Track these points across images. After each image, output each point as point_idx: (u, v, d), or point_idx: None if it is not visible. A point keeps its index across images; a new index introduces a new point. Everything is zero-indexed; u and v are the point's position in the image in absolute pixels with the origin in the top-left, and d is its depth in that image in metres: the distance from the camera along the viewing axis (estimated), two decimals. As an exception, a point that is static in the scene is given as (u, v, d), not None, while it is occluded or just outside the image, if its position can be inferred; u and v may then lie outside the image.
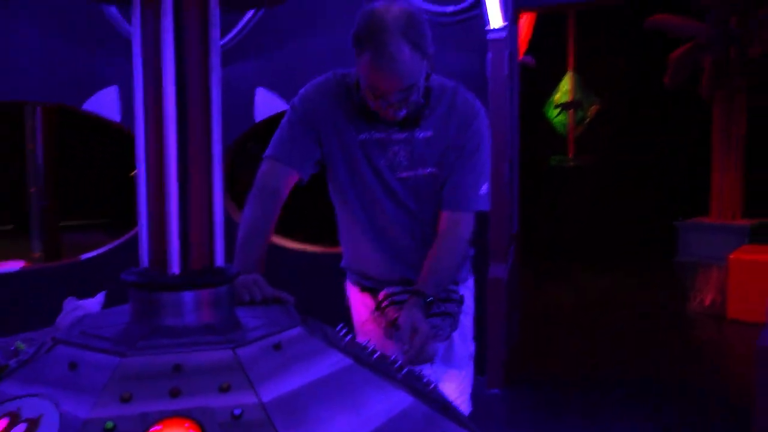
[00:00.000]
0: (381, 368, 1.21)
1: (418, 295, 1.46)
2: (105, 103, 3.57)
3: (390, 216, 1.65)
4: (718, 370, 4.62)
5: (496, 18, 3.46)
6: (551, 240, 10.32)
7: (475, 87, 3.72)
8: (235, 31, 3.96)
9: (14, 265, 4.50)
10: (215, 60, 1.13)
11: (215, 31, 1.13)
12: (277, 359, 1.05)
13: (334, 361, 1.11)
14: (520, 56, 4.61)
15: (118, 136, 5.65)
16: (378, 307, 1.63)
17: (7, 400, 0.94)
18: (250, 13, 3.91)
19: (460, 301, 1.68)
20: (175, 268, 1.10)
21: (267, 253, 1.50)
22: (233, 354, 1.00)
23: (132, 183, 1.18)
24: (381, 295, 1.67)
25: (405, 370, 1.27)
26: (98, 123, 4.13)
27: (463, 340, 1.82)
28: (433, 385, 1.28)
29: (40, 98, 4.02)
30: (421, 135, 1.60)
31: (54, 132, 6.59)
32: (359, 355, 1.19)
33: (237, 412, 0.92)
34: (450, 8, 3.64)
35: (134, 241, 1.61)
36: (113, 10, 3.57)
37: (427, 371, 1.76)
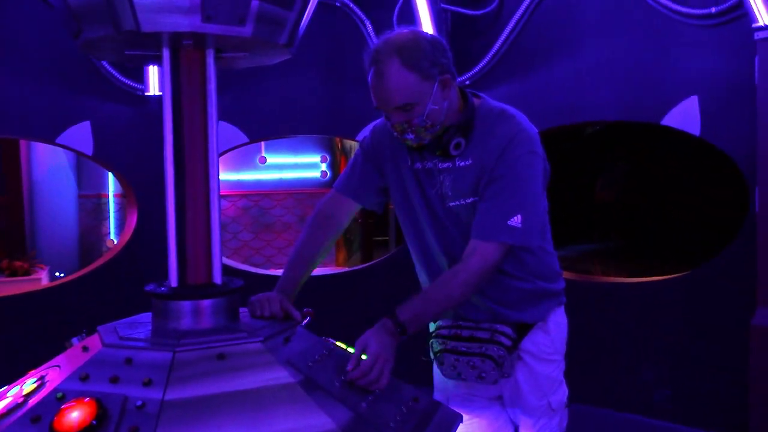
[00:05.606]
0: (337, 393, 1.25)
1: (389, 317, 1.40)
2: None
3: (437, 246, 1.61)
4: None
5: (764, 15, 2.86)
6: None
7: (741, 96, 3.15)
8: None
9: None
10: (212, 110, 1.35)
11: (212, 86, 1.35)
12: (212, 366, 1.20)
13: (273, 377, 1.21)
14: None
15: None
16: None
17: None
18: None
19: (512, 346, 1.54)
20: (173, 282, 1.35)
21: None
22: (171, 356, 1.20)
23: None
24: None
25: (370, 397, 1.29)
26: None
27: (536, 389, 1.62)
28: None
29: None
30: (462, 164, 1.53)
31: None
32: (315, 377, 1.26)
33: (138, 403, 1.11)
34: (713, 9, 3.16)
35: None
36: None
37: (498, 413, 1.68)
